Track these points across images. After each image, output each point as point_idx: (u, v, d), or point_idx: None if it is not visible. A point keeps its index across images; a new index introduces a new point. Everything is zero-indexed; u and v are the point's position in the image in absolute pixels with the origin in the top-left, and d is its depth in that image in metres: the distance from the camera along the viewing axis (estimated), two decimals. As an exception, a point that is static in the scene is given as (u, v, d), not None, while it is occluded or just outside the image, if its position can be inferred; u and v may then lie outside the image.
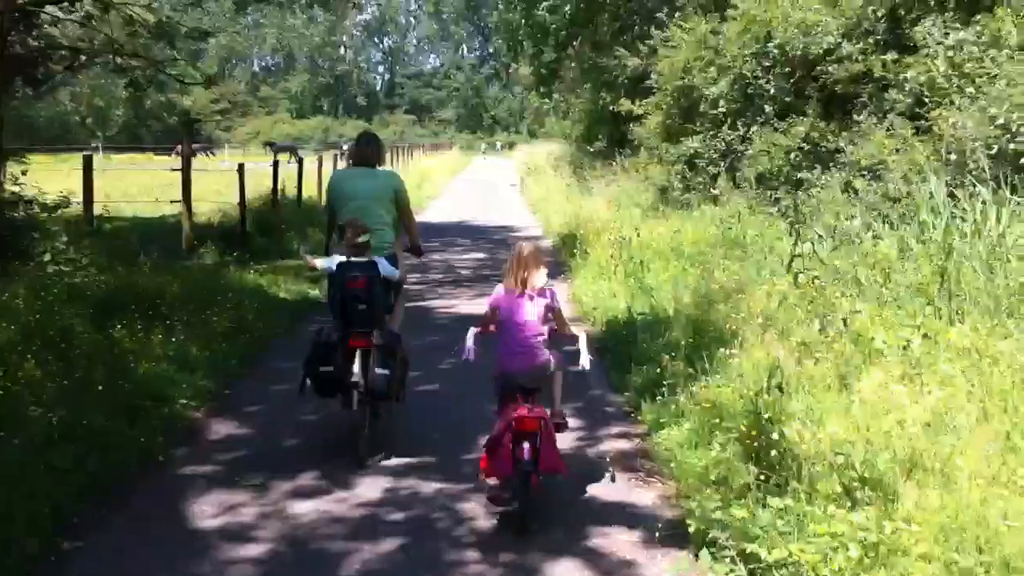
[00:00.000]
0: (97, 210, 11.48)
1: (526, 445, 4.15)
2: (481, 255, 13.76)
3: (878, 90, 11.19)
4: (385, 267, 5.30)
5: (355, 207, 5.68)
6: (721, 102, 14.04)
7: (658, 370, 5.91)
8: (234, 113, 76.34)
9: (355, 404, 5.00)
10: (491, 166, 47.19)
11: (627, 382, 6.45)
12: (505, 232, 16.34)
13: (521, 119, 78.66)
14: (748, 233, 9.97)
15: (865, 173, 10.06)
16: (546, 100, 33.98)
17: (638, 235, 10.57)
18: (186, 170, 12.21)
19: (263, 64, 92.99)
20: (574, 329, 4.91)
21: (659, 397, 5.63)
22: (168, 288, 8.19)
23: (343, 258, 5.25)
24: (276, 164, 15.57)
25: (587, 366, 4.68)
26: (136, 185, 21.11)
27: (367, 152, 6.02)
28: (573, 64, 26.13)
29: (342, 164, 25.18)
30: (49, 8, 11.78)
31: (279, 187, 15.29)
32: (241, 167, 13.64)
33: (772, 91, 13.28)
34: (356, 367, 4.97)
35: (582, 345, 4.67)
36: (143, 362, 6.05)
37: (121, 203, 16.04)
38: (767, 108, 13.32)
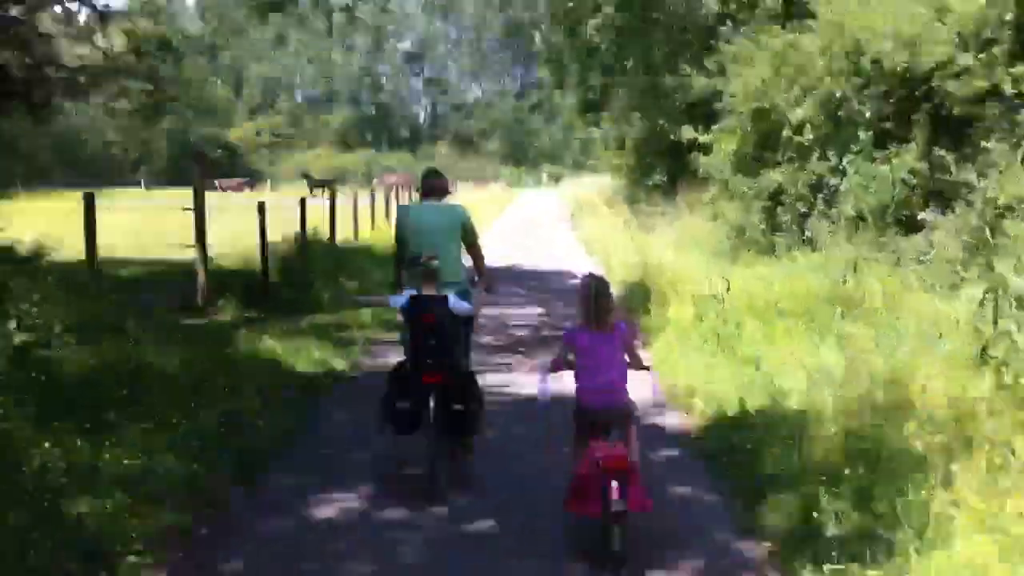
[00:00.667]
0: (116, 254, 10.05)
1: (614, 484, 4.07)
2: (539, 309, 11.65)
3: (1008, 111, 9.31)
4: (456, 303, 5.19)
5: (424, 241, 5.66)
6: (807, 127, 12.21)
7: (815, 514, 4.07)
8: (278, 147, 75.92)
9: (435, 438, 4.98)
10: (539, 200, 45.23)
11: (759, 520, 4.56)
12: (563, 279, 14.26)
13: (566, 150, 77.12)
14: (870, 288, 8.07)
15: (1005, 212, 8.25)
16: (593, 128, 32.28)
17: (728, 290, 8.71)
18: (199, 211, 10.42)
19: (306, 98, 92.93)
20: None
21: (825, 563, 3.76)
22: (160, 364, 6.58)
23: (414, 292, 5.20)
24: (303, 201, 13.69)
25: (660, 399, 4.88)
26: (173, 223, 19.82)
27: (434, 185, 6.02)
28: (622, 90, 24.26)
29: (380, 198, 23.79)
30: (46, 23, 10.43)
31: (311, 227, 13.49)
32: (261, 205, 11.64)
33: (868, 114, 11.41)
34: (431, 403, 4.98)
35: (654, 379, 4.85)
36: (80, 496, 4.32)
37: (150, 245, 14.83)
38: (862, 135, 11.44)
